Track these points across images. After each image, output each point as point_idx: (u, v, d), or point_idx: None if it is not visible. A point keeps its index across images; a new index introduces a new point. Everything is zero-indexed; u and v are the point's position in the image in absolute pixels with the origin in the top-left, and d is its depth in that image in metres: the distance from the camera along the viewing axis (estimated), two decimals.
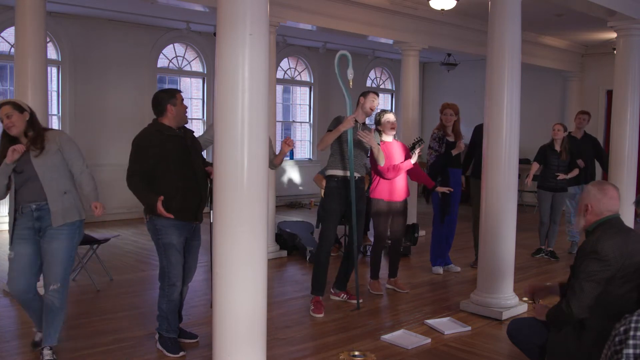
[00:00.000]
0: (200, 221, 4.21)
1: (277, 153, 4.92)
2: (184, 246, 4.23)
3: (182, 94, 4.24)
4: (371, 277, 5.87)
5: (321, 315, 5.05)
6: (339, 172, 5.22)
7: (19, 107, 3.89)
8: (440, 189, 6.26)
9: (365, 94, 5.36)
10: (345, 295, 5.48)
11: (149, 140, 4.06)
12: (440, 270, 6.65)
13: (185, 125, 4.25)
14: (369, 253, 7.44)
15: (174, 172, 4.05)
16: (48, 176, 3.83)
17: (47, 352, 3.84)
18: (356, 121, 5.22)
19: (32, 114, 3.94)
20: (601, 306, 3.13)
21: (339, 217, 5.30)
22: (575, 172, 7.32)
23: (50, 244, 3.85)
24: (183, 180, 4.06)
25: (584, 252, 3.18)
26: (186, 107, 4.21)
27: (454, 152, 6.42)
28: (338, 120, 5.15)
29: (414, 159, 5.64)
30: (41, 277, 3.97)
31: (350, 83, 5.12)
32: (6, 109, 3.86)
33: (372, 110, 5.31)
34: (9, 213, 3.97)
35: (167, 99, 4.14)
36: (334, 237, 5.39)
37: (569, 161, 7.30)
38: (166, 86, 10.84)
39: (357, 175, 5.24)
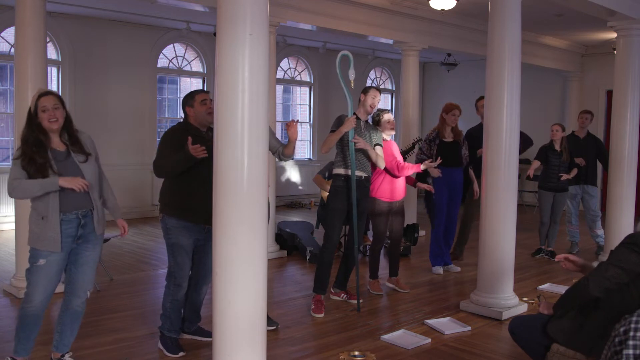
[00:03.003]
0: (211, 224, 4.14)
1: (284, 144, 4.82)
2: (200, 248, 4.23)
3: (204, 94, 4.18)
4: (370, 277, 5.88)
5: (321, 315, 5.05)
6: (344, 171, 5.21)
7: (63, 102, 3.61)
8: (420, 186, 6.28)
9: (366, 90, 5.32)
10: (345, 295, 5.48)
11: (177, 137, 4.09)
12: (440, 270, 6.65)
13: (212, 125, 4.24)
14: (368, 253, 7.45)
15: (192, 173, 4.03)
16: (96, 186, 3.67)
17: (69, 358, 3.83)
18: (358, 119, 5.23)
19: (69, 114, 3.66)
20: (622, 302, 3.11)
21: (343, 217, 5.27)
22: (575, 171, 7.32)
23: (94, 251, 3.70)
24: (198, 182, 4.03)
25: (629, 240, 3.16)
26: (207, 107, 4.12)
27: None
28: (340, 120, 5.13)
29: (423, 166, 5.75)
30: None
31: (352, 83, 5.12)
32: (53, 99, 3.54)
33: (372, 107, 5.29)
34: (41, 216, 3.52)
35: (185, 102, 4.20)
36: (339, 236, 5.38)
37: (569, 161, 7.30)
38: (166, 86, 10.86)
39: (362, 174, 5.22)
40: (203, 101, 4.14)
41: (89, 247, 3.68)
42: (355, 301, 5.32)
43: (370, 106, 5.27)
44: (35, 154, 3.47)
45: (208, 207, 3.98)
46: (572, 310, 3.31)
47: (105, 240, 6.15)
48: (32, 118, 3.54)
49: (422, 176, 6.57)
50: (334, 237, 5.21)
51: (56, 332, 3.79)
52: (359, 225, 5.28)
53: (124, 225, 3.84)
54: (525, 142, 6.59)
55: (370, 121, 5.49)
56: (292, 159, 4.93)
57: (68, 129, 3.63)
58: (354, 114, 5.22)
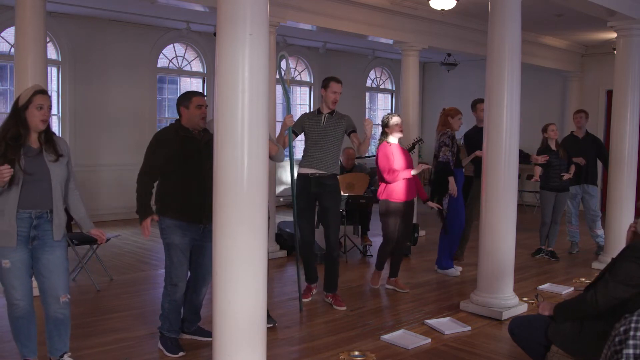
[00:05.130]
0: (206, 224, 4.11)
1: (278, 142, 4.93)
2: (197, 249, 4.23)
3: (201, 98, 4.18)
4: (376, 268, 5.93)
5: (307, 300, 5.36)
6: (303, 171, 5.29)
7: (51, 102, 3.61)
8: (431, 204, 6.25)
9: (325, 84, 5.23)
10: (331, 299, 5.35)
11: (165, 139, 4.13)
12: (457, 271, 6.57)
13: (205, 127, 4.22)
14: (369, 253, 7.46)
15: (181, 173, 4.05)
16: (59, 187, 3.55)
17: (68, 358, 3.77)
18: (320, 113, 5.25)
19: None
20: (625, 306, 3.11)
21: (310, 214, 5.36)
22: (573, 168, 7.35)
23: (54, 254, 3.56)
24: (188, 182, 4.05)
25: (632, 252, 3.13)
26: (201, 112, 4.14)
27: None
28: (300, 120, 5.30)
29: (414, 171, 5.60)
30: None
31: (288, 83, 5.11)
32: (49, 100, 3.53)
33: (335, 103, 5.20)
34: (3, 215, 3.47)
35: (181, 101, 4.22)
36: (311, 233, 5.38)
37: (567, 160, 7.33)
38: (166, 86, 10.86)
39: (317, 172, 5.21)
40: (199, 106, 4.15)
41: (46, 251, 3.54)
42: (340, 307, 5.24)
43: (333, 102, 5.20)
44: (9, 149, 3.43)
45: (203, 206, 4.00)
46: (576, 321, 3.31)
47: (105, 240, 6.18)
48: (19, 111, 3.49)
49: (440, 189, 6.40)
50: (304, 235, 5.32)
51: (46, 338, 3.72)
52: (331, 222, 5.27)
53: (98, 234, 3.80)
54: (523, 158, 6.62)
55: (372, 119, 5.48)
56: (284, 158, 4.98)
57: (47, 129, 3.58)
58: (318, 109, 5.31)
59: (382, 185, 5.68)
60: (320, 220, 5.59)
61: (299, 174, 5.34)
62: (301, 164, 5.35)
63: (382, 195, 5.69)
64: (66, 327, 3.70)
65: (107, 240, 6.18)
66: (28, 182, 3.47)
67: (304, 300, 5.39)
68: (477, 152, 6.40)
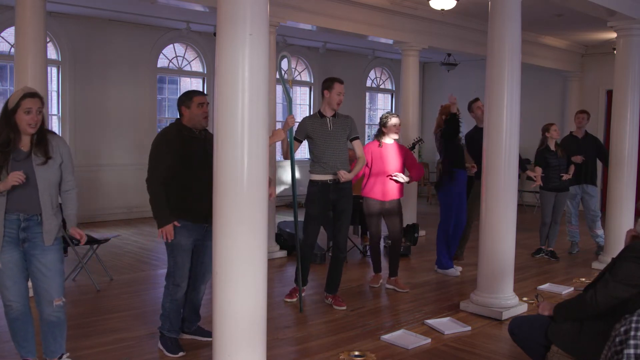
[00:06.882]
0: (211, 223, 4.14)
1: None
2: (198, 248, 4.23)
3: (202, 96, 4.14)
4: (374, 271, 6.03)
5: (291, 300, 5.33)
6: (320, 177, 5.17)
7: (44, 103, 3.50)
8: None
9: (329, 85, 5.10)
10: (331, 300, 5.37)
11: (169, 140, 4.08)
12: (457, 271, 6.57)
13: (206, 127, 4.20)
14: (369, 253, 7.46)
15: (189, 173, 4.04)
16: (47, 192, 3.48)
17: (67, 359, 3.76)
18: (323, 116, 5.14)
19: (44, 114, 3.53)
20: (625, 306, 3.11)
21: (318, 222, 5.33)
22: (572, 168, 7.35)
23: (46, 257, 3.50)
24: (197, 182, 4.03)
25: (632, 251, 3.13)
26: (203, 111, 4.11)
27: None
28: (302, 125, 5.18)
29: (352, 174, 5.30)
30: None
31: (290, 83, 5.06)
32: (39, 102, 3.41)
33: (339, 104, 5.11)
34: None
35: (182, 100, 4.18)
36: (314, 238, 5.36)
37: (566, 159, 7.33)
38: (166, 86, 10.86)
39: (336, 178, 5.10)
40: (200, 104, 4.12)
41: (38, 254, 3.49)
42: (340, 307, 5.23)
43: (337, 103, 5.10)
44: None
45: (207, 206, 3.99)
46: (576, 321, 3.32)
47: (105, 240, 6.20)
48: (9, 115, 3.40)
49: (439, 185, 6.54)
50: (308, 240, 5.28)
51: (41, 340, 3.68)
52: (343, 225, 5.25)
53: (76, 234, 3.62)
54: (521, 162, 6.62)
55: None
56: None
57: (40, 129, 3.47)
58: (319, 112, 5.20)
59: (365, 180, 5.75)
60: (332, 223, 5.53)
61: (314, 181, 5.20)
62: (315, 170, 5.20)
63: (364, 192, 5.82)
64: (61, 329, 3.66)
65: (107, 240, 6.25)
66: (15, 186, 3.38)
67: (288, 300, 5.40)
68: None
